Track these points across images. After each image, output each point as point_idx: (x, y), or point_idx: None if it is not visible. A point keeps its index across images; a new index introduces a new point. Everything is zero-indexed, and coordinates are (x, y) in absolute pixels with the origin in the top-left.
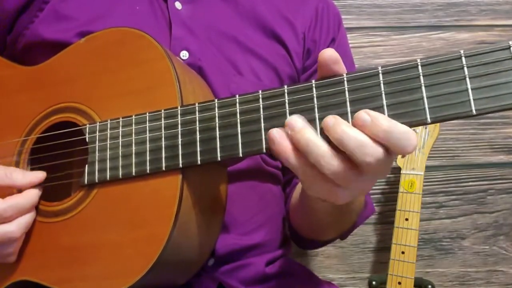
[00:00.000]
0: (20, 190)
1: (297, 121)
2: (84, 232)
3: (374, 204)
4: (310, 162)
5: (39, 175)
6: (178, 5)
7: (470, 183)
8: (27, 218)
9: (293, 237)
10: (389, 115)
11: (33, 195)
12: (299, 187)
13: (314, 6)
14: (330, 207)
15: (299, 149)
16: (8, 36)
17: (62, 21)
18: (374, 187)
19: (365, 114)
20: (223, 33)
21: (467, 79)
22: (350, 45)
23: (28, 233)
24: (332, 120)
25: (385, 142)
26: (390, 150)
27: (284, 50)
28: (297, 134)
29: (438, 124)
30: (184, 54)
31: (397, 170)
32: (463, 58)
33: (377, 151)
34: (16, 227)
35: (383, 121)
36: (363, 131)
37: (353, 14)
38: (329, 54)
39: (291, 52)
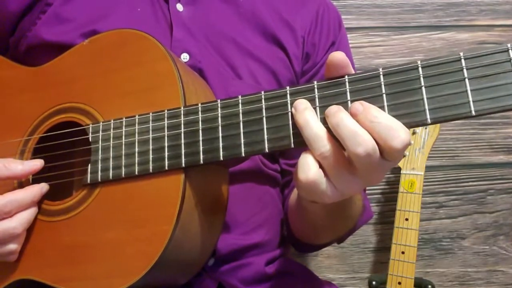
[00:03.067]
0: (21, 186)
1: (301, 103)
2: (86, 231)
3: (374, 204)
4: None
5: (38, 163)
6: (179, 7)
7: (470, 183)
8: (28, 214)
9: (290, 240)
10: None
11: (34, 190)
12: (295, 190)
13: (315, 9)
14: (324, 211)
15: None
16: (11, 37)
17: (63, 23)
18: (374, 187)
19: (359, 104)
20: (223, 35)
21: (467, 80)
22: (350, 45)
23: (30, 232)
24: (335, 108)
25: (372, 133)
26: (378, 144)
27: (284, 54)
28: (298, 114)
29: (438, 124)
30: (185, 57)
31: (397, 170)
32: (463, 60)
33: (368, 143)
34: (17, 223)
35: (373, 111)
36: (355, 119)
37: (353, 14)
38: (338, 58)
39: (291, 56)
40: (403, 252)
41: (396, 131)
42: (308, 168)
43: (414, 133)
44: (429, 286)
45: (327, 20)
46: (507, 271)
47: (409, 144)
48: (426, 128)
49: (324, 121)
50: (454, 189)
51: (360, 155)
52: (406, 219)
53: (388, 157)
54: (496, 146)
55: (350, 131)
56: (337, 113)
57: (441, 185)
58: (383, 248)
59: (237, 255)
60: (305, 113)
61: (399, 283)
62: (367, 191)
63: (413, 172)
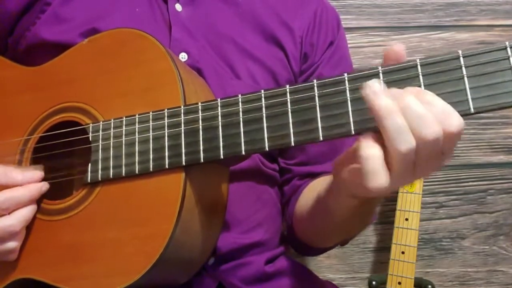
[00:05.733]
0: (20, 165)
1: (373, 85)
2: (86, 230)
3: None
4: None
5: (38, 174)
6: (178, 7)
7: (470, 183)
8: (27, 211)
9: (293, 243)
10: None
11: (32, 188)
12: (307, 193)
13: (313, 9)
14: (353, 208)
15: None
16: (10, 37)
17: (62, 23)
18: None
19: (413, 88)
20: (222, 35)
21: (465, 78)
22: (350, 45)
23: (30, 231)
24: (400, 91)
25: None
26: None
27: (282, 54)
28: (377, 98)
29: None
30: (183, 56)
31: None
32: (461, 58)
33: (436, 126)
34: (15, 220)
35: (427, 96)
36: None
37: (353, 14)
38: (396, 50)
39: (289, 56)
40: (403, 252)
41: (451, 116)
42: (380, 176)
43: None
44: (429, 286)
45: (325, 20)
46: (507, 271)
47: (463, 129)
48: None
49: None
50: (454, 189)
51: (428, 139)
52: (406, 219)
53: (445, 145)
54: (496, 146)
55: (418, 113)
56: (403, 95)
57: (441, 185)
58: (383, 248)
59: (237, 254)
60: (385, 99)
61: (399, 283)
62: None
63: None
